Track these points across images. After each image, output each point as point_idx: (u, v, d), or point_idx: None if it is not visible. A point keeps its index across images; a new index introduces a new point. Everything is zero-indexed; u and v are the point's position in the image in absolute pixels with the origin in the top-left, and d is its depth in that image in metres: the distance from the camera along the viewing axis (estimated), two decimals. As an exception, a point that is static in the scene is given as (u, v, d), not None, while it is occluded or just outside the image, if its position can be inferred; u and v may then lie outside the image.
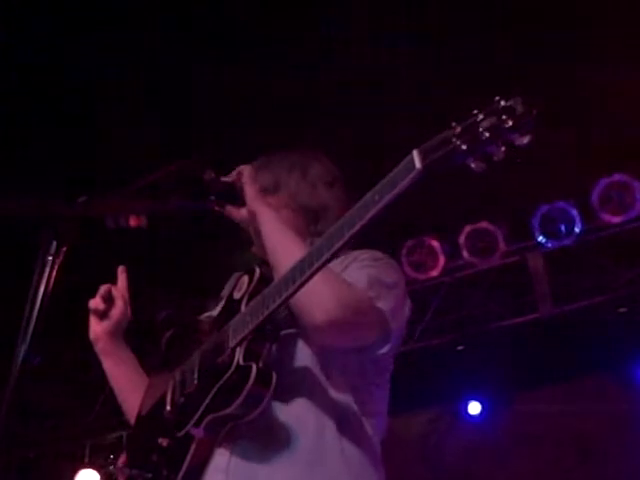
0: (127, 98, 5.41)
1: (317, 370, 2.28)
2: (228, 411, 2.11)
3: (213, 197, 2.43)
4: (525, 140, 1.64)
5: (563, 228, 6.35)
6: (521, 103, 1.64)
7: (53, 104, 5.31)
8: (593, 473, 6.83)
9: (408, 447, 7.19)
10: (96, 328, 2.66)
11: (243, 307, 2.29)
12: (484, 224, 6.54)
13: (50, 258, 1.93)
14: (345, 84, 5.39)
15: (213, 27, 5.12)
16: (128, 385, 2.66)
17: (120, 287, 2.69)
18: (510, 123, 1.63)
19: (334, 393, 2.28)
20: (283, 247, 2.28)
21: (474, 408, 7.44)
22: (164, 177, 2.29)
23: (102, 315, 2.65)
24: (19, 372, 1.89)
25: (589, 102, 5.47)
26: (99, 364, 2.70)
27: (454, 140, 1.70)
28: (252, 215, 2.38)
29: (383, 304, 2.26)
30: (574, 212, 6.32)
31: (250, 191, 2.40)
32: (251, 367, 2.11)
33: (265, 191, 2.53)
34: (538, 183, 6.07)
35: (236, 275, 2.51)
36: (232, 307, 2.35)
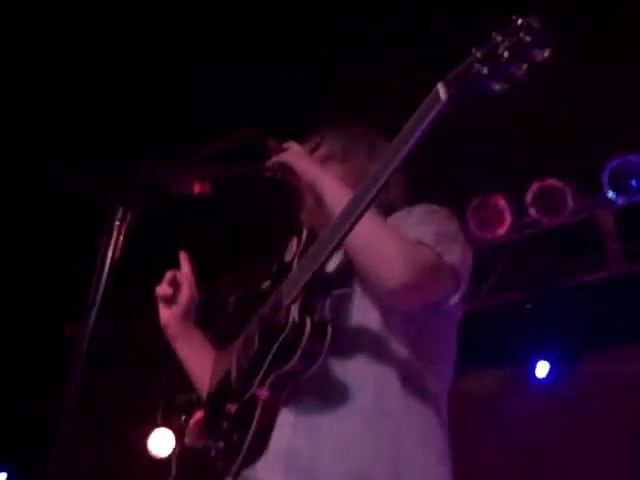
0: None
1: (378, 324, 2.29)
2: (288, 367, 2.13)
3: (277, 164, 2.44)
4: (545, 54, 1.64)
5: (634, 183, 6.19)
6: (537, 19, 1.64)
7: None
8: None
9: (475, 406, 7.18)
10: (165, 314, 2.71)
11: (294, 267, 2.32)
12: (551, 181, 6.42)
13: (117, 223, 1.97)
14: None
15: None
16: (201, 367, 2.70)
17: (184, 272, 2.71)
18: (528, 39, 1.63)
19: (396, 346, 2.28)
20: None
21: (542, 368, 7.38)
22: (228, 145, 2.31)
23: (170, 301, 2.69)
24: (90, 336, 1.93)
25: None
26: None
27: (476, 65, 1.70)
28: (312, 186, 2.39)
29: (451, 257, 2.27)
30: (646, 166, 6.17)
31: (303, 164, 2.40)
32: (305, 321, 2.13)
33: (331, 158, 2.61)
34: (607, 136, 5.92)
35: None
36: (284, 269, 2.38)
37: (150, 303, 2.77)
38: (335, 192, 2.31)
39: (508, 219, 6.60)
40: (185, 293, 2.69)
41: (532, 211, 6.50)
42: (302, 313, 2.18)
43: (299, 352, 2.10)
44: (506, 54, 1.65)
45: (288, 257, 2.41)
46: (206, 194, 2.26)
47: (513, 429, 7.27)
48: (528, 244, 6.80)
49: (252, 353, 2.34)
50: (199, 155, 2.24)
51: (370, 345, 2.27)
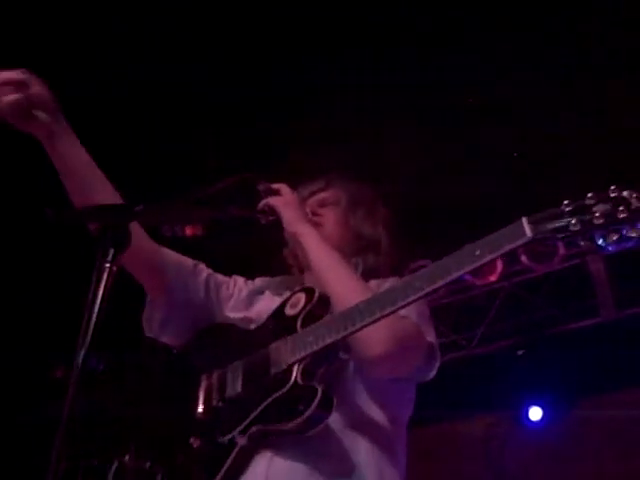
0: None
1: (359, 387, 2.33)
2: (283, 428, 2.13)
3: (267, 207, 2.48)
4: (635, 234, 1.69)
5: (624, 231, 6.21)
6: (636, 197, 1.68)
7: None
8: (659, 480, 6.67)
9: (468, 453, 7.12)
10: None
11: (299, 326, 2.30)
12: (543, 228, 6.45)
13: (107, 265, 1.96)
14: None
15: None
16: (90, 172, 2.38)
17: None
18: (623, 216, 1.68)
19: (372, 410, 2.33)
20: (330, 268, 2.35)
21: (535, 413, 7.35)
22: (221, 188, 2.33)
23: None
24: (78, 379, 1.92)
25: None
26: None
27: (567, 218, 1.76)
28: (292, 236, 2.46)
29: (431, 337, 2.37)
30: (635, 214, 6.19)
31: (289, 214, 2.45)
32: (315, 389, 2.13)
33: (332, 203, 2.68)
34: (599, 185, 5.96)
35: (279, 279, 2.58)
36: (284, 323, 2.36)
37: (140, 345, 2.75)
38: (316, 249, 2.38)
39: (499, 266, 6.62)
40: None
41: (523, 258, 6.53)
42: (305, 376, 2.18)
43: (303, 417, 2.09)
44: (599, 220, 1.71)
45: (291, 311, 2.38)
46: (198, 236, 2.27)
47: (505, 473, 7.22)
48: (520, 291, 6.82)
49: (232, 395, 2.31)
50: (191, 198, 2.25)
51: (349, 408, 2.29)
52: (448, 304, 6.85)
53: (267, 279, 2.72)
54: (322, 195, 2.70)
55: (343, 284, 2.27)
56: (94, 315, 1.91)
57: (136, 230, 2.37)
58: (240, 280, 2.75)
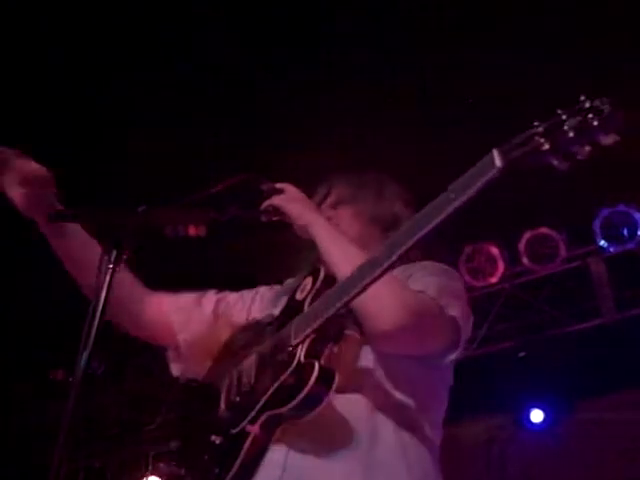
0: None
1: (380, 372, 2.27)
2: (286, 409, 2.09)
3: (271, 207, 2.47)
4: (611, 139, 1.60)
5: (625, 232, 6.23)
6: (608, 103, 1.60)
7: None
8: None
9: (470, 455, 7.11)
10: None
11: (306, 307, 2.28)
12: (544, 230, 6.46)
13: (111, 266, 1.95)
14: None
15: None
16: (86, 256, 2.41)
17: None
18: (596, 123, 1.59)
19: (397, 395, 2.27)
20: (340, 254, 2.30)
21: (536, 416, 7.33)
22: (224, 189, 2.33)
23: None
24: (81, 380, 1.91)
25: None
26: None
27: (536, 139, 1.66)
28: (303, 229, 2.41)
29: (454, 311, 2.28)
30: (637, 216, 6.20)
31: (295, 209, 2.43)
32: (313, 364, 2.08)
33: (340, 203, 2.66)
34: (599, 186, 5.97)
35: (300, 276, 2.53)
36: (294, 307, 2.34)
37: (142, 348, 2.75)
38: (326, 237, 2.35)
39: (501, 267, 6.62)
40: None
41: (525, 259, 6.52)
42: (309, 356, 2.14)
43: (302, 395, 2.06)
44: (571, 133, 1.61)
45: (300, 295, 2.37)
46: (201, 236, 2.26)
47: (506, 475, 7.21)
48: (521, 292, 6.81)
49: (247, 388, 2.30)
50: (195, 198, 2.25)
51: (372, 388, 2.25)
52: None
53: (293, 280, 2.69)
54: (328, 201, 2.69)
55: (349, 263, 2.17)
56: (97, 317, 1.90)
57: (136, 297, 2.59)
58: (263, 287, 2.79)
